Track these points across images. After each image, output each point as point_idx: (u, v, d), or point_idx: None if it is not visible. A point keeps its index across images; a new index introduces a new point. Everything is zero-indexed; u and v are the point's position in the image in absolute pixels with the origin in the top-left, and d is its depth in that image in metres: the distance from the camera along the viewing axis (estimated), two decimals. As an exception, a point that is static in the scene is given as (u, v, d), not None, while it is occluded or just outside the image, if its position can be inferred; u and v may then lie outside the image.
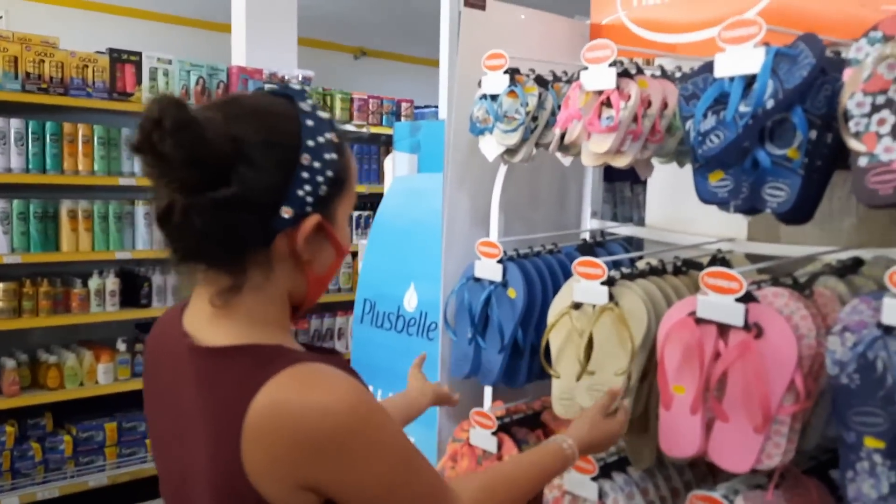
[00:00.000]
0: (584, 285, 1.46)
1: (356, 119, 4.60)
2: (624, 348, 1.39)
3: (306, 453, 0.85)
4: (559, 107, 1.67)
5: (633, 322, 1.41)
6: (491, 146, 1.64)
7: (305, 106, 0.92)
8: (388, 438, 0.91)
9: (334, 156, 0.92)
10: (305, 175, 0.89)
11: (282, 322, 0.96)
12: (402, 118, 4.78)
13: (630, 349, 1.39)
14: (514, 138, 1.60)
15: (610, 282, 1.45)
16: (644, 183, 2.31)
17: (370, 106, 4.65)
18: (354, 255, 4.69)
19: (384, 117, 4.73)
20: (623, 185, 2.29)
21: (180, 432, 0.95)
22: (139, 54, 3.91)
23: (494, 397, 1.82)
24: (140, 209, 3.84)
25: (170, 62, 4.01)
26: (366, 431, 0.88)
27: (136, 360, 3.89)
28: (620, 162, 1.44)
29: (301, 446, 0.84)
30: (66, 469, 3.70)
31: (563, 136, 1.50)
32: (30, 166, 3.48)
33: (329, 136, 0.92)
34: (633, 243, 1.98)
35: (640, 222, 2.27)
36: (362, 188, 4.64)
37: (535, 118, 1.63)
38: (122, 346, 3.83)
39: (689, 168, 1.52)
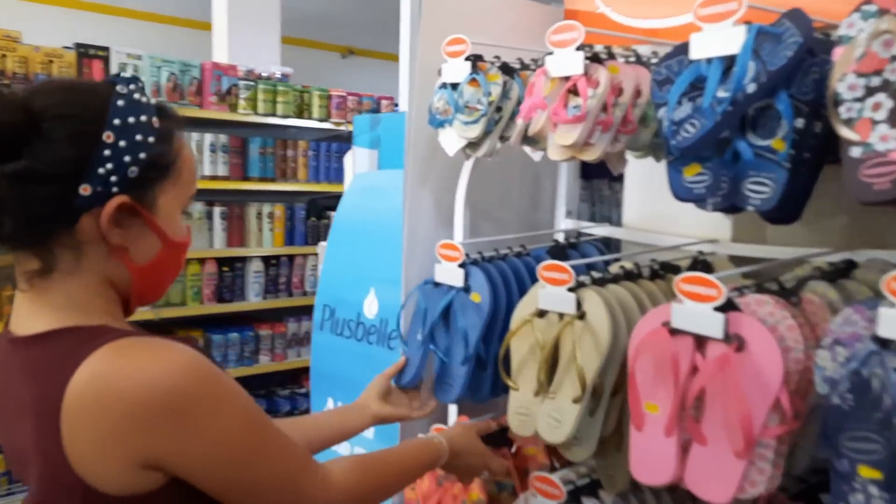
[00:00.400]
0: (550, 291, 1.33)
1: (334, 117, 4.46)
2: (588, 366, 1.26)
3: (137, 425, 0.81)
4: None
5: (600, 333, 1.27)
6: (451, 139, 1.50)
7: (123, 89, 0.91)
8: (232, 406, 0.87)
9: (151, 139, 0.90)
10: (107, 153, 0.87)
11: (107, 309, 0.92)
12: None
13: (595, 366, 1.26)
14: (475, 130, 1.46)
15: (579, 287, 1.32)
16: (622, 180, 2.18)
17: (348, 103, 4.51)
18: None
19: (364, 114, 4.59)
20: (601, 182, 2.16)
21: (13, 432, 0.90)
22: (107, 49, 3.77)
23: (459, 411, 1.68)
24: (108, 210, 3.70)
25: (139, 58, 3.87)
26: (203, 397, 0.84)
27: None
28: (589, 156, 1.30)
29: (130, 417, 0.81)
30: None
31: (527, 128, 1.36)
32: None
33: (146, 118, 0.91)
34: (610, 245, 1.85)
35: (619, 222, 2.14)
36: (339, 187, 4.50)
37: (498, 109, 1.49)
38: (89, 353, 3.71)
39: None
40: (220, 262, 4.12)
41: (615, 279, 1.39)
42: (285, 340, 4.39)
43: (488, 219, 1.84)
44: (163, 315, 3.90)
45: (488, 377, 1.53)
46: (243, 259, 4.23)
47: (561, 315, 1.34)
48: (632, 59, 1.39)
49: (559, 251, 1.67)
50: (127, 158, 0.88)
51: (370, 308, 1.82)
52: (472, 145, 1.51)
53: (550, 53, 1.32)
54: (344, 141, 4.59)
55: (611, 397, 1.32)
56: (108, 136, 0.87)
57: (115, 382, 0.81)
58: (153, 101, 0.95)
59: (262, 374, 4.31)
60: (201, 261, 4.04)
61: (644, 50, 1.47)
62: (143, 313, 3.81)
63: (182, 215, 0.99)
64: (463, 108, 1.48)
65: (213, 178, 4.01)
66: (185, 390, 0.83)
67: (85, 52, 3.70)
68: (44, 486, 0.86)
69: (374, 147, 1.80)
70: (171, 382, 0.82)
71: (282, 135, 4.41)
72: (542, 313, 1.36)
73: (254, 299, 4.26)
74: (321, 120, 4.41)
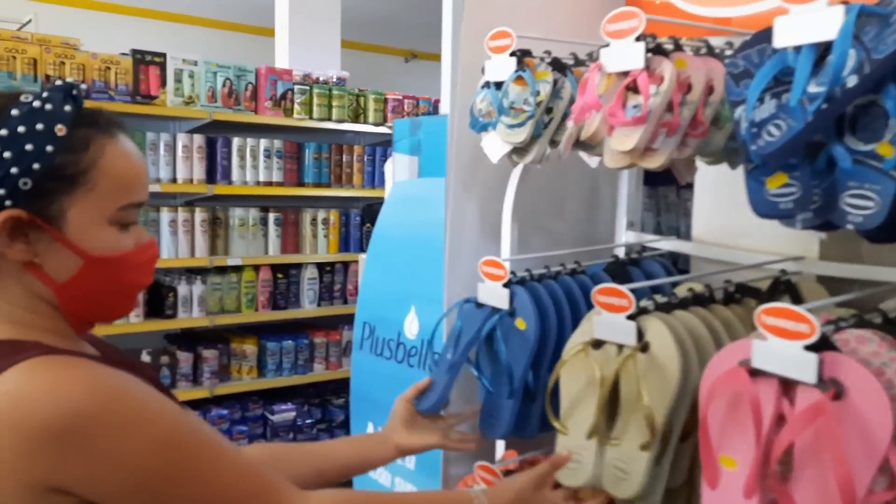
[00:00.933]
0: (606, 319, 1.16)
1: (391, 120, 4.34)
2: (656, 407, 1.08)
3: (38, 447, 0.77)
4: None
5: (668, 369, 1.09)
6: (495, 145, 1.34)
7: (26, 97, 0.87)
8: (143, 431, 0.82)
9: (50, 148, 0.85)
10: None
11: (41, 324, 0.89)
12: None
13: (665, 407, 1.08)
14: (521, 135, 1.30)
15: (640, 314, 1.14)
16: (692, 188, 1.98)
17: (405, 107, 4.40)
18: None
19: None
20: (668, 189, 1.96)
21: None
22: (163, 55, 3.76)
23: (507, 445, 1.52)
24: (165, 216, 3.70)
25: (195, 63, 3.85)
26: (109, 420, 0.79)
27: (160, 372, 3.75)
28: (652, 163, 1.13)
29: (31, 439, 0.77)
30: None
31: (580, 132, 1.19)
32: None
33: (44, 127, 0.85)
34: (678, 261, 1.65)
35: (688, 234, 1.94)
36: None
37: (549, 110, 1.33)
38: (146, 358, 3.71)
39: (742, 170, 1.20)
40: (275, 268, 4.07)
41: (683, 304, 1.21)
42: (340, 348, 4.31)
43: (539, 231, 1.67)
44: (217, 322, 3.86)
45: (537, 410, 1.36)
46: (298, 266, 4.16)
47: (620, 346, 1.16)
48: (703, 50, 1.21)
49: (619, 269, 1.49)
50: (14, 170, 0.84)
51: (411, 328, 1.68)
52: (519, 151, 1.35)
53: (606, 45, 1.15)
54: (400, 145, 4.49)
55: (679, 443, 1.14)
56: None
57: (19, 402, 0.78)
58: (68, 107, 0.88)
59: (316, 382, 4.24)
60: (256, 267, 3.99)
61: (717, 41, 1.28)
62: (197, 320, 3.78)
63: (116, 226, 0.91)
64: (508, 109, 1.32)
65: (268, 183, 3.96)
66: (88, 412, 0.79)
67: (141, 59, 3.70)
68: None
69: (415, 153, 1.66)
70: (73, 404, 0.79)
71: (337, 139, 4.33)
72: (597, 344, 1.19)
73: (308, 306, 4.19)
74: (377, 124, 4.31)
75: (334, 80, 4.33)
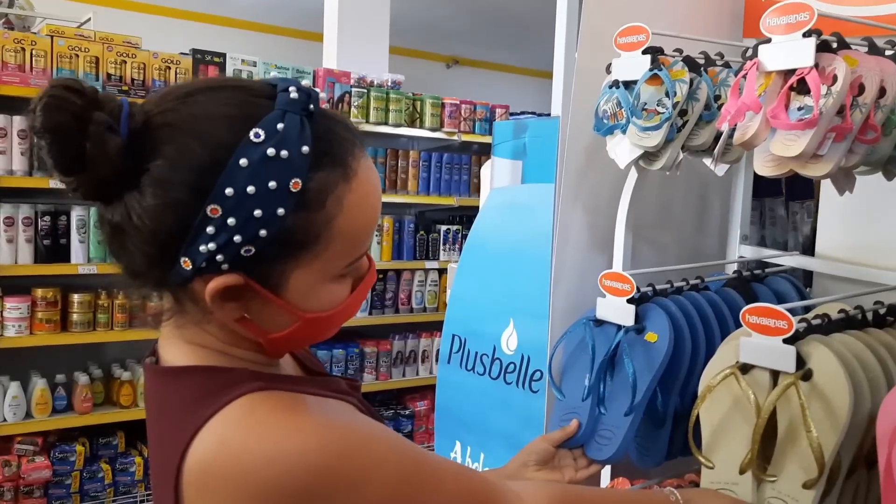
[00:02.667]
0: (758, 342, 1.05)
1: (447, 126, 4.27)
2: (825, 441, 0.97)
3: None
4: (715, 98, 1.26)
5: (837, 399, 0.98)
6: (623, 149, 1.25)
7: (257, 135, 0.68)
8: (383, 472, 0.71)
9: (282, 211, 0.68)
10: (211, 230, 0.68)
11: (248, 357, 0.78)
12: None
13: (833, 442, 0.97)
14: (655, 138, 1.20)
15: (795, 338, 1.04)
16: (802, 199, 1.86)
17: (462, 112, 4.32)
18: (442, 272, 4.40)
19: (476, 124, 4.39)
20: (775, 202, 1.84)
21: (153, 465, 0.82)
22: (223, 55, 3.73)
23: (615, 474, 1.42)
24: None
25: (254, 64, 3.81)
26: (347, 472, 0.68)
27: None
28: (817, 171, 1.02)
29: (258, 499, 0.66)
30: (137, 492, 3.51)
31: (731, 136, 1.09)
32: (107, 173, 3.33)
33: (278, 185, 0.67)
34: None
35: (798, 249, 1.82)
36: (451, 200, 4.30)
37: (682, 112, 1.23)
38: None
39: (883, 180, 1.10)
40: (327, 275, 4.00)
41: (840, 325, 1.10)
42: (390, 359, 4.22)
43: (647, 244, 1.57)
44: (269, 328, 3.80)
45: (664, 436, 1.25)
46: (350, 272, 4.09)
47: (774, 373, 1.06)
48: (863, 48, 1.10)
49: (743, 285, 1.38)
50: (238, 238, 0.68)
51: (509, 342, 1.59)
52: (649, 156, 1.25)
53: (766, 41, 1.05)
54: (455, 152, 4.41)
55: (845, 479, 1.03)
56: (213, 211, 0.67)
57: (243, 455, 0.67)
58: (306, 147, 0.69)
59: (365, 392, 4.14)
60: (308, 273, 3.93)
61: (879, 42, 1.17)
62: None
63: (339, 278, 0.76)
64: (640, 111, 1.23)
65: (323, 188, 3.90)
66: (321, 468, 0.67)
67: (201, 59, 3.67)
68: None
69: (518, 157, 1.57)
70: (307, 459, 0.67)
71: (393, 144, 4.26)
72: (745, 368, 1.08)
73: (359, 315, 4.11)
74: (433, 129, 4.23)
75: (389, 83, 4.27)
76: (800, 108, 1.02)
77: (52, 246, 3.25)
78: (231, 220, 0.67)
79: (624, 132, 1.25)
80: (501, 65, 9.94)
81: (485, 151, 4.27)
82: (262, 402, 0.71)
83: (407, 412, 4.26)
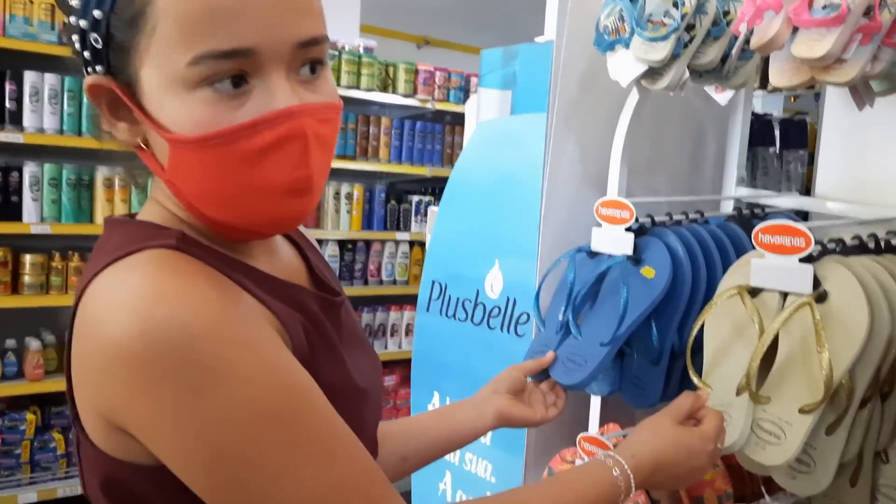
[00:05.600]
0: (772, 262, 0.98)
1: (420, 93, 4.16)
2: (836, 364, 0.90)
3: (100, 374, 0.62)
4: (724, 14, 1.18)
5: (855, 322, 0.91)
6: (626, 65, 1.16)
7: None
8: (235, 390, 0.60)
9: None
10: (73, 20, 0.67)
11: (204, 230, 0.71)
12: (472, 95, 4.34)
13: (844, 366, 0.90)
14: (662, 51, 1.12)
15: (809, 259, 0.96)
16: (796, 148, 1.81)
17: (436, 79, 4.21)
18: (413, 244, 4.30)
19: (451, 92, 4.28)
20: (767, 151, 1.78)
21: None
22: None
23: (605, 418, 1.34)
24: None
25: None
26: (189, 365, 0.59)
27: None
28: (841, 76, 0.94)
29: (103, 356, 0.61)
30: (90, 463, 3.36)
31: (747, 42, 1.01)
32: (64, 127, 3.15)
33: None
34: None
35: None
36: (423, 170, 4.20)
37: (689, 27, 1.15)
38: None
39: (885, 116, 1.03)
40: (295, 243, 3.87)
41: (858, 250, 1.03)
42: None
43: (639, 183, 1.48)
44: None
45: (660, 374, 1.18)
46: (318, 242, 3.95)
47: (783, 297, 0.98)
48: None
49: (745, 222, 1.31)
50: (83, 23, 0.66)
51: (493, 285, 1.49)
52: (652, 74, 1.17)
53: (788, -64, 0.97)
54: (429, 121, 4.30)
55: (858, 409, 0.96)
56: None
57: (100, 301, 0.63)
58: None
59: (332, 365, 4.04)
60: (275, 241, 3.80)
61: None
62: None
63: (205, 90, 0.64)
64: (644, 23, 1.14)
65: (291, 153, 3.76)
66: (156, 344, 0.59)
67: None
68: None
69: (507, 87, 1.47)
70: (146, 327, 0.59)
71: (364, 110, 4.14)
72: (753, 292, 1.01)
73: (327, 285, 3.99)
74: (406, 96, 4.12)
75: (361, 49, 4.14)
76: (824, 7, 0.94)
77: (3, 203, 3.08)
78: (74, 2, 0.66)
79: (626, 47, 1.16)
80: (473, 47, 9.85)
81: (459, 122, 4.16)
82: (161, 259, 0.65)
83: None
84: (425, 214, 4.21)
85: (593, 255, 1.22)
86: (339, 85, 3.90)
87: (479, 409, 1.05)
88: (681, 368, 1.16)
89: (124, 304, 0.60)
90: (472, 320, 1.54)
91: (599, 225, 1.20)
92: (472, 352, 1.54)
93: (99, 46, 0.66)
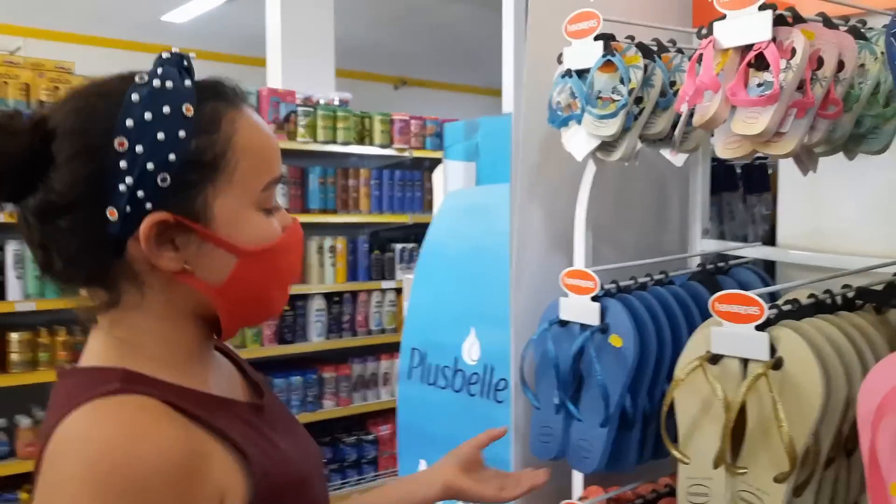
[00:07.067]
0: (729, 331, 1.00)
1: (397, 142, 4.21)
2: (796, 433, 0.92)
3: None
4: (670, 85, 1.23)
5: (808, 388, 0.94)
6: (579, 140, 1.20)
7: (143, 77, 0.74)
8: None
9: (183, 133, 0.73)
10: (124, 164, 0.72)
11: (166, 353, 0.77)
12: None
13: (805, 434, 0.92)
14: (613, 126, 1.16)
15: (766, 324, 0.99)
16: (759, 192, 1.85)
17: (412, 128, 4.26)
18: (399, 291, 4.32)
19: (427, 140, 4.34)
20: (732, 196, 1.82)
21: None
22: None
23: (588, 481, 1.35)
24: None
25: (195, 88, 3.70)
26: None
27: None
28: (780, 149, 0.98)
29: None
30: (86, 539, 3.32)
31: (689, 119, 1.05)
32: (43, 204, 3.17)
33: (171, 109, 0.73)
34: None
35: (759, 242, 1.80)
36: (404, 218, 4.23)
37: (638, 100, 1.19)
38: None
39: (840, 165, 1.08)
40: (281, 300, 3.88)
41: (811, 310, 1.06)
42: (350, 383, 4.11)
43: (608, 242, 1.52)
44: (222, 358, 3.66)
45: (635, 439, 1.20)
46: (305, 297, 3.97)
47: (744, 362, 1.01)
48: (818, 23, 1.07)
49: (708, 278, 1.34)
50: (150, 166, 0.72)
51: (470, 352, 1.51)
52: (606, 147, 1.21)
53: (720, 18, 1.01)
54: (407, 169, 4.35)
55: (824, 468, 0.98)
56: (120, 144, 0.72)
57: (56, 484, 0.68)
58: (190, 81, 0.76)
59: (326, 419, 4.03)
60: (261, 299, 3.80)
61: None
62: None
63: (263, 211, 0.79)
64: (595, 99, 1.18)
65: (273, 211, 3.79)
66: (100, 485, 0.65)
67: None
68: None
69: (471, 159, 1.51)
70: (92, 473, 0.66)
71: (342, 164, 4.18)
72: (714, 359, 1.03)
73: (316, 339, 3.99)
74: (383, 146, 4.17)
75: (336, 102, 4.20)
76: (759, 85, 0.98)
77: (-14, 283, 3.08)
78: (139, 148, 0.71)
79: (579, 123, 1.20)
80: (450, 84, 9.98)
81: (437, 167, 4.22)
82: (105, 405, 0.70)
83: (370, 437, 4.14)
84: (409, 261, 4.24)
85: (563, 323, 1.24)
86: (315, 140, 3.95)
87: (428, 479, 1.08)
88: (654, 434, 1.18)
89: (74, 476, 0.66)
90: (452, 388, 1.56)
91: (566, 295, 1.23)
92: (454, 420, 1.55)
93: (165, 186, 0.73)
